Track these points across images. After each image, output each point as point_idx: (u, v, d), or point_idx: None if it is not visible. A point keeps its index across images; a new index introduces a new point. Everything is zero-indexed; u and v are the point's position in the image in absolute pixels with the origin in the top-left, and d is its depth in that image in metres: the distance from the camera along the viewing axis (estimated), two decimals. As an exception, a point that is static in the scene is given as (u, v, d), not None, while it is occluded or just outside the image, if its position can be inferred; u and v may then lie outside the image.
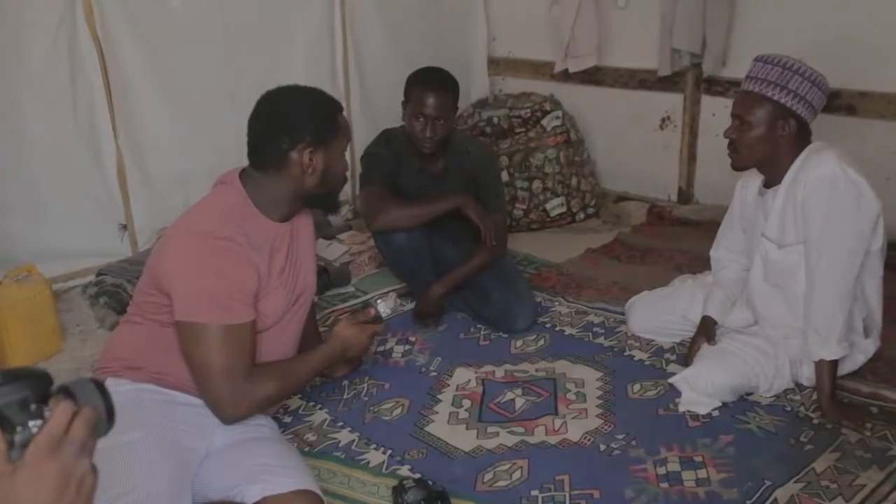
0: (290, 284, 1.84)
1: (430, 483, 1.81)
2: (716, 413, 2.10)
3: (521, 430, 2.09)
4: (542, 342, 2.58)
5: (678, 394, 2.18)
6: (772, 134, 2.04)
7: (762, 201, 2.18)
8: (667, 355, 2.43)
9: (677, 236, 3.46)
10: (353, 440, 2.08)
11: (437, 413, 2.20)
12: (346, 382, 2.35)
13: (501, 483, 1.89)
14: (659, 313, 2.50)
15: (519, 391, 2.28)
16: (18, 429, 0.70)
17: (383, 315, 2.11)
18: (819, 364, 2.06)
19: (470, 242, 2.70)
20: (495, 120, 3.80)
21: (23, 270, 2.60)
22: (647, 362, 2.41)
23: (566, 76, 3.87)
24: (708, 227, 3.12)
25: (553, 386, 2.30)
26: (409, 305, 2.80)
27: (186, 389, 1.69)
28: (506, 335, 2.63)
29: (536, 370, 2.40)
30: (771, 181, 2.14)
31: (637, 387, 2.27)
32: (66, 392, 0.74)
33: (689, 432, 2.04)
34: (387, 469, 1.96)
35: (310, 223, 2.00)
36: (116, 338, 1.84)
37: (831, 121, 2.87)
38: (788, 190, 2.07)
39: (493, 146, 3.64)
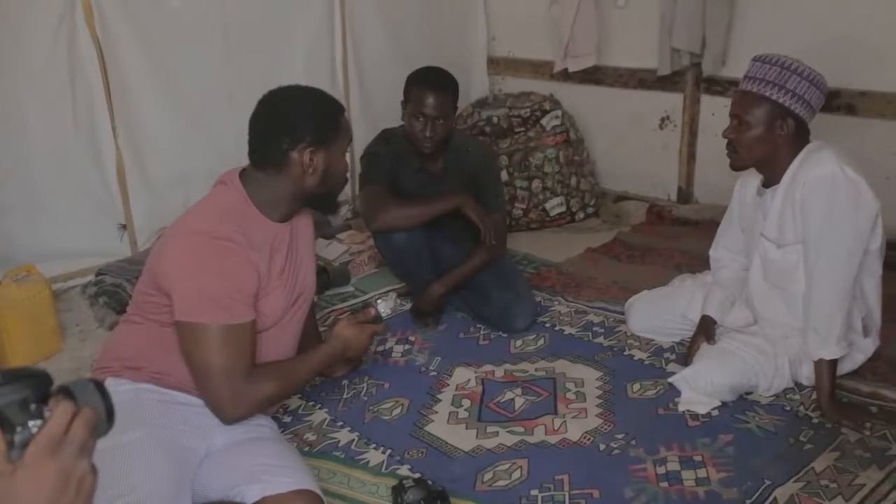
0: (289, 284, 1.84)
1: (430, 483, 1.81)
2: (715, 412, 2.10)
3: (521, 429, 2.09)
4: (541, 342, 2.58)
5: (678, 393, 2.18)
6: (770, 134, 2.04)
7: (761, 201, 2.19)
8: (666, 355, 2.44)
9: (677, 236, 3.46)
10: (353, 440, 2.08)
11: (436, 413, 2.20)
12: (345, 382, 2.35)
13: (501, 483, 1.89)
14: (658, 313, 2.50)
15: (518, 391, 2.28)
16: (18, 429, 0.70)
17: (383, 315, 2.11)
18: (818, 363, 2.06)
19: (469, 242, 2.70)
20: (495, 119, 3.80)
21: (22, 270, 2.60)
22: (647, 362, 2.41)
23: (566, 76, 3.87)
24: (707, 226, 3.12)
25: (553, 385, 2.30)
26: (409, 305, 2.80)
27: (186, 389, 1.69)
28: (505, 335, 2.63)
29: (536, 370, 2.40)
30: (770, 181, 2.14)
31: (637, 386, 2.27)
32: (66, 392, 0.74)
33: (689, 432, 2.04)
34: (386, 469, 1.96)
35: (309, 223, 2.00)
36: (116, 338, 1.84)
37: (831, 120, 2.87)
38: (787, 189, 2.07)
39: (493, 146, 3.64)
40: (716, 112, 3.42)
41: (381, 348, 2.56)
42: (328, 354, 1.94)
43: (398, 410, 2.22)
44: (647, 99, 3.72)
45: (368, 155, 2.70)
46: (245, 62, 3.27)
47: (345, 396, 2.29)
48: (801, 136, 2.07)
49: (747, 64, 2.12)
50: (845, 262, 2.01)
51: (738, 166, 2.16)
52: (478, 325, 2.70)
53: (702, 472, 1.87)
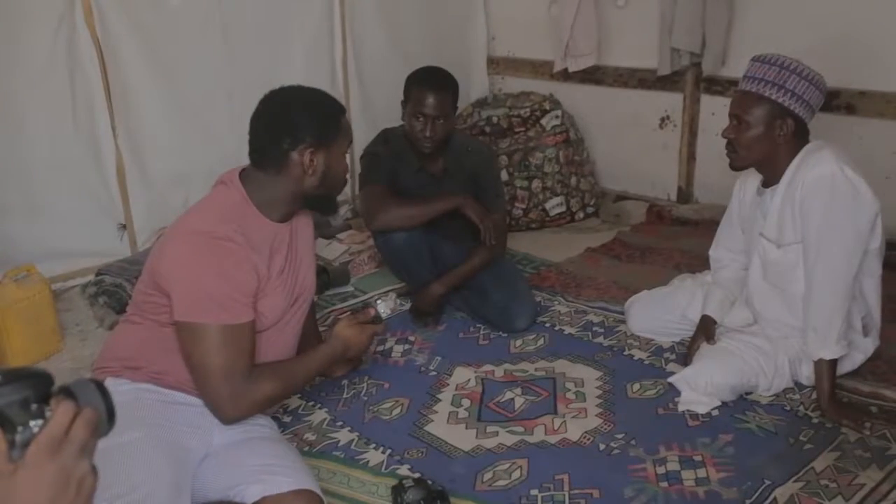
0: (289, 285, 1.84)
1: (430, 482, 1.81)
2: (715, 412, 2.10)
3: (521, 429, 2.09)
4: (541, 342, 2.58)
5: (677, 393, 2.18)
6: (769, 133, 2.04)
7: (760, 201, 2.19)
8: (666, 355, 2.44)
9: (676, 236, 3.46)
10: (353, 440, 2.08)
11: (436, 412, 2.20)
12: (345, 382, 2.35)
13: (501, 482, 1.89)
14: (658, 313, 2.50)
15: (518, 390, 2.28)
16: (20, 428, 0.70)
17: (383, 315, 2.11)
18: (818, 363, 2.06)
19: (469, 242, 2.70)
20: (495, 119, 3.80)
21: (22, 270, 2.60)
22: (647, 362, 2.41)
23: (566, 75, 3.87)
24: (707, 226, 3.12)
25: (552, 385, 2.30)
26: (409, 305, 2.80)
27: (185, 389, 1.69)
28: (505, 334, 2.63)
29: (536, 369, 2.40)
30: (769, 181, 2.14)
31: (636, 386, 2.27)
32: (67, 392, 0.74)
33: (689, 431, 2.04)
34: (386, 468, 1.96)
35: (309, 223, 2.00)
36: (115, 337, 1.84)
37: (831, 120, 2.88)
38: (787, 189, 2.07)
39: (493, 145, 3.64)
40: (716, 112, 3.42)
41: (380, 348, 2.56)
42: (328, 355, 1.94)
43: (398, 410, 2.22)
44: (647, 99, 3.72)
45: (368, 155, 2.70)
46: (245, 62, 3.27)
47: (345, 396, 2.29)
48: (800, 136, 2.07)
49: (747, 64, 2.12)
50: (845, 262, 2.01)
51: (737, 166, 2.16)
52: (478, 325, 2.70)
53: (702, 472, 1.87)
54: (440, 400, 2.26)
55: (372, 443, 2.06)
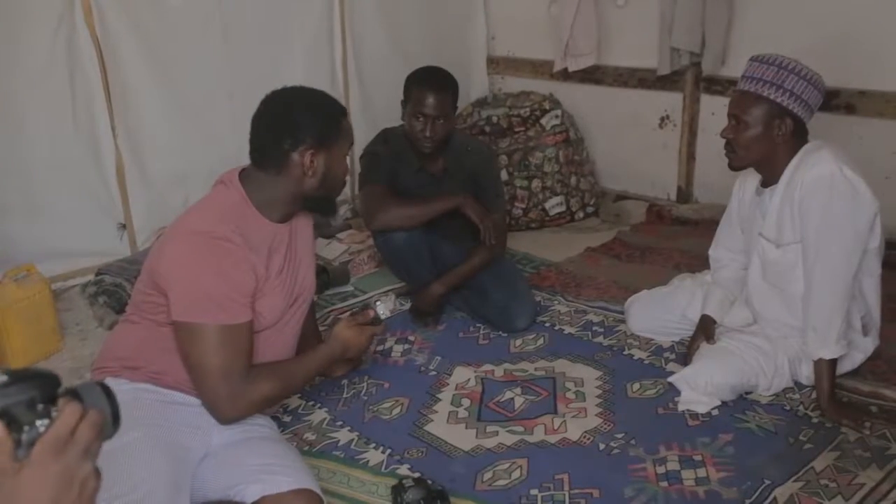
0: (288, 285, 1.84)
1: (430, 482, 1.81)
2: (715, 412, 2.10)
3: (521, 429, 2.09)
4: (541, 341, 2.58)
5: (677, 393, 2.18)
6: (768, 133, 2.04)
7: (760, 201, 2.19)
8: (666, 354, 2.44)
9: (676, 235, 3.46)
10: (353, 439, 2.08)
11: (436, 412, 2.20)
12: (345, 381, 2.35)
13: (501, 482, 1.89)
14: (658, 312, 2.50)
15: (518, 390, 2.28)
16: (26, 428, 0.70)
17: (382, 317, 2.11)
18: (818, 363, 2.06)
19: (469, 242, 2.70)
20: (494, 119, 3.80)
21: (22, 270, 2.60)
22: (647, 361, 2.41)
23: (565, 75, 3.87)
24: (707, 226, 3.12)
25: (552, 385, 2.30)
26: (409, 305, 2.80)
27: (184, 389, 1.68)
28: (505, 334, 2.63)
29: (536, 369, 2.40)
30: (768, 180, 2.14)
31: (636, 386, 2.27)
32: (74, 394, 0.74)
33: (689, 431, 2.04)
34: (386, 468, 1.96)
35: (309, 224, 2.00)
36: (114, 337, 1.83)
37: (830, 119, 2.88)
38: (786, 189, 2.07)
39: (493, 145, 3.64)
40: (715, 111, 3.42)
41: (380, 348, 2.56)
42: (327, 356, 1.94)
43: (398, 410, 2.22)
44: (647, 98, 3.72)
45: (368, 154, 2.70)
46: (245, 62, 3.27)
47: (344, 396, 2.29)
48: (799, 136, 2.07)
49: (746, 63, 2.12)
50: (844, 262, 2.01)
51: (736, 166, 2.15)
52: (477, 325, 2.70)
53: (701, 472, 1.87)
54: (440, 400, 2.26)
55: (372, 442, 2.07)
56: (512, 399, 2.24)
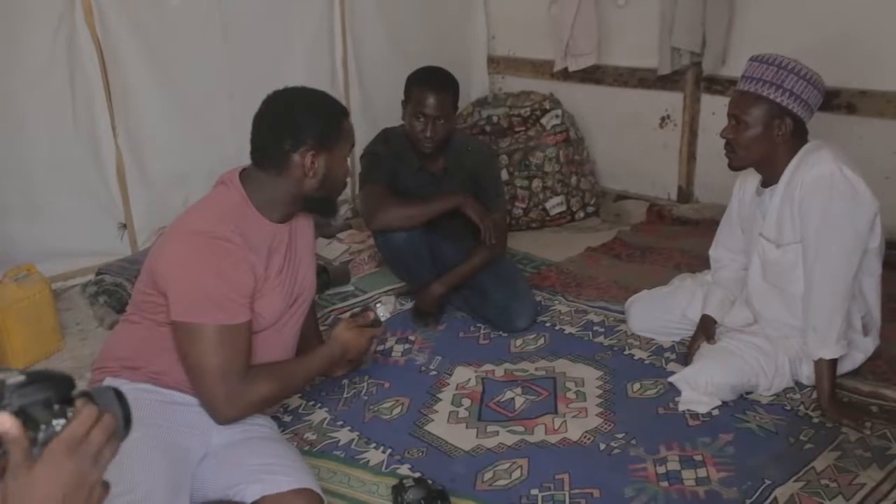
0: (288, 285, 1.83)
1: (430, 482, 1.81)
2: (715, 412, 2.10)
3: (521, 429, 2.09)
4: (541, 341, 2.58)
5: (678, 393, 2.18)
6: (768, 133, 2.04)
7: (760, 200, 2.18)
8: (666, 354, 2.44)
9: (677, 235, 3.46)
10: (353, 439, 2.08)
11: (436, 412, 2.20)
12: (345, 381, 2.35)
13: (501, 482, 1.89)
14: (658, 312, 2.50)
15: (519, 390, 2.28)
16: (43, 427, 0.71)
17: (382, 318, 2.11)
18: (818, 363, 2.06)
19: (469, 241, 2.69)
20: (495, 119, 3.80)
21: (22, 269, 2.60)
22: (647, 361, 2.41)
23: (566, 75, 3.87)
24: (707, 225, 3.12)
25: (553, 385, 2.30)
26: (409, 305, 2.80)
27: (184, 389, 1.68)
28: (505, 334, 2.63)
29: (536, 369, 2.40)
30: (768, 180, 2.14)
31: (637, 386, 2.27)
32: (88, 397, 0.75)
33: (689, 431, 2.04)
34: (386, 468, 1.96)
35: (310, 224, 1.99)
36: (114, 337, 1.83)
37: (831, 119, 2.88)
38: (786, 189, 2.07)
39: (493, 145, 3.64)
40: (716, 111, 3.42)
41: (381, 348, 2.56)
42: (326, 357, 1.94)
43: (398, 410, 2.22)
44: (648, 98, 3.71)
45: (368, 154, 2.70)
46: (245, 62, 3.27)
47: (345, 396, 2.29)
48: (799, 136, 2.06)
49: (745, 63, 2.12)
50: (844, 262, 2.01)
51: (736, 166, 2.15)
52: (478, 325, 2.70)
53: (702, 472, 1.87)
54: (440, 399, 2.26)
55: (372, 442, 2.06)
56: (512, 399, 2.24)
